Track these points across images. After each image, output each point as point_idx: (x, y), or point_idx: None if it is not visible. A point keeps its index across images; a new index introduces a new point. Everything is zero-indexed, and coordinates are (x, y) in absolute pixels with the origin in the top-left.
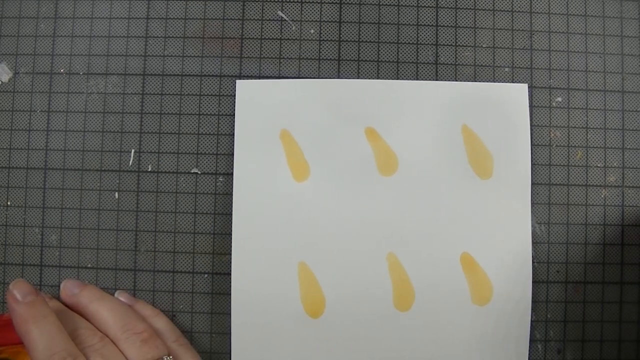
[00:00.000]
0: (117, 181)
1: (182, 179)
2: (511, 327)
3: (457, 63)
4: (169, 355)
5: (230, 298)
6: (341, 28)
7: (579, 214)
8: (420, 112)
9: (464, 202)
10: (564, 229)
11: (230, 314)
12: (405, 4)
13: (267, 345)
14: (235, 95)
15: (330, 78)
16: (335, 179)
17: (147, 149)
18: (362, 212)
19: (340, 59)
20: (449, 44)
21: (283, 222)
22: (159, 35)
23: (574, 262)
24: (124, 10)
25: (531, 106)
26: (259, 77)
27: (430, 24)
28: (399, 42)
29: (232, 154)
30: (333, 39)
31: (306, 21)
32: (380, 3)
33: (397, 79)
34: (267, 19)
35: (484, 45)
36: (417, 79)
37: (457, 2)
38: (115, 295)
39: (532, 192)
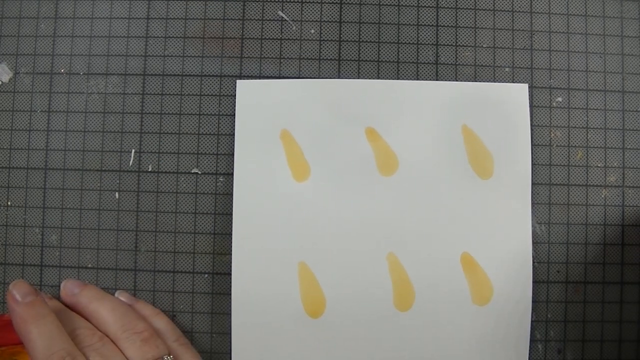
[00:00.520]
0: (118, 181)
1: (183, 179)
2: (511, 327)
3: (457, 63)
4: (169, 355)
5: (230, 298)
6: (341, 28)
7: (579, 214)
8: (421, 112)
9: (464, 202)
10: (564, 229)
11: (230, 314)
12: (406, 4)
13: (267, 345)
14: (235, 95)
15: (330, 78)
16: (335, 179)
17: (147, 149)
18: (362, 212)
19: (341, 59)
20: (449, 44)
21: (283, 222)
22: (159, 35)
23: (575, 262)
24: (124, 10)
25: (531, 106)
26: (260, 77)
27: (431, 24)
28: (399, 42)
29: (233, 154)
30: (333, 39)
31: (306, 21)
32: (381, 3)
33: (398, 79)
34: (268, 19)
35: (484, 45)
36: (418, 79)
37: (457, 2)
38: (116, 295)
39: (532, 192)
